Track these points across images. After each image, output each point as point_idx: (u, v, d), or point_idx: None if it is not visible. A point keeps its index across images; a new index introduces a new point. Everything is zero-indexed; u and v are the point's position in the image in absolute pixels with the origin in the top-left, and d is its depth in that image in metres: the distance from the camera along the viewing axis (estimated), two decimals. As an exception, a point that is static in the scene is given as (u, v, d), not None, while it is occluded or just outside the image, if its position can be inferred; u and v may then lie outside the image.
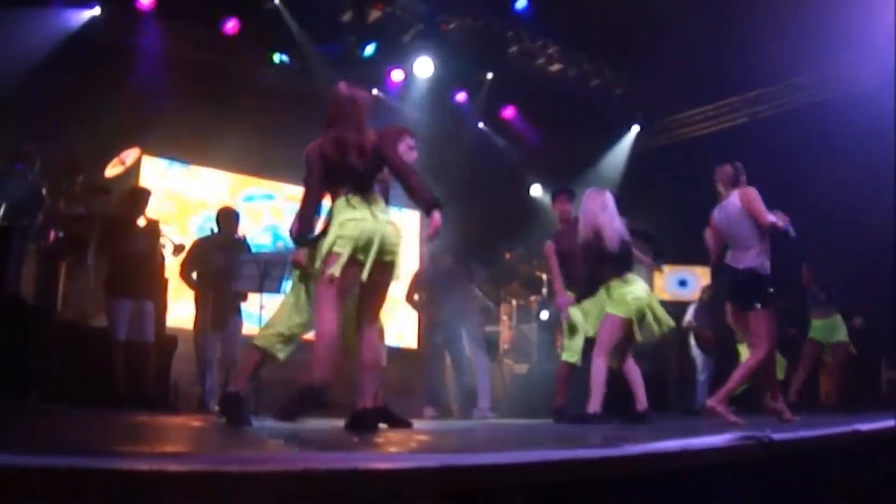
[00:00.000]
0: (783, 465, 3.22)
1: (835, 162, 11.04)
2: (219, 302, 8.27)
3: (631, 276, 7.03)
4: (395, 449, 3.22)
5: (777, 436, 3.21)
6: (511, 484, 2.08)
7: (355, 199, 4.65)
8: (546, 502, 2.20)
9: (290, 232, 5.42)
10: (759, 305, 6.35)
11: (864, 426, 4.06)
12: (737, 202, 6.56)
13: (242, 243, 8.59)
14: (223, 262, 8.20)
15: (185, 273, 8.49)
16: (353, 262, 4.57)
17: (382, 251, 4.60)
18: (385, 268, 4.66)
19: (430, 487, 1.83)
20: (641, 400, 6.90)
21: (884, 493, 3.56)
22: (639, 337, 6.96)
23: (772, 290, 6.45)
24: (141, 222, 8.14)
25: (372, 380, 4.72)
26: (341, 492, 1.67)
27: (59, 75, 9.01)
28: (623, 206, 7.56)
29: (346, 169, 4.68)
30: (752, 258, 6.42)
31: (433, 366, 9.04)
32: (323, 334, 4.59)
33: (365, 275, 4.57)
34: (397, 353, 9.35)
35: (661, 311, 7.03)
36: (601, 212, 7.08)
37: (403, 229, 4.88)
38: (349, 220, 4.58)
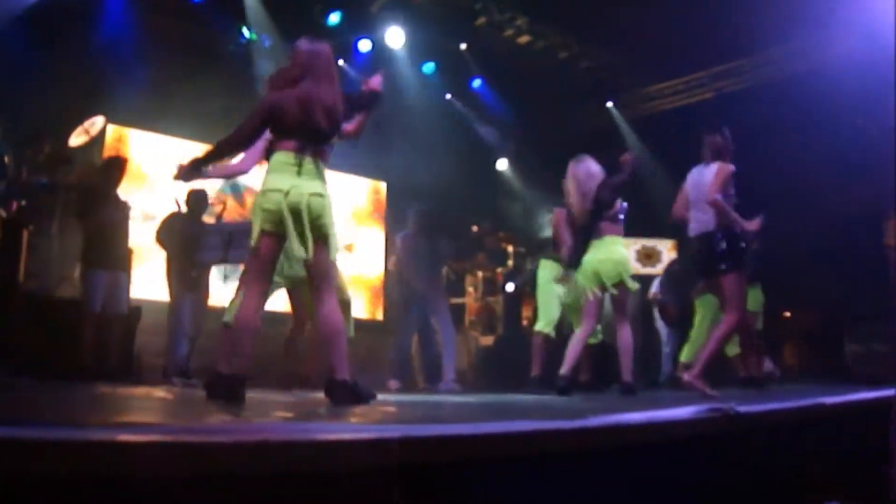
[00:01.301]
0: (748, 438, 3.27)
1: (801, 136, 11.12)
2: (185, 270, 8.26)
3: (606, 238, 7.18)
4: (357, 420, 3.22)
5: (742, 408, 3.25)
6: (475, 455, 2.09)
7: (293, 159, 4.57)
8: (510, 474, 2.22)
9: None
10: (724, 266, 6.36)
11: (830, 399, 4.11)
12: (712, 172, 6.61)
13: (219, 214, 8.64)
14: (193, 233, 8.18)
15: (159, 238, 8.49)
16: (270, 235, 4.54)
17: (306, 225, 4.49)
18: (317, 243, 4.56)
19: (393, 459, 1.84)
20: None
21: (848, 466, 3.61)
22: (614, 291, 7.14)
23: (741, 251, 6.46)
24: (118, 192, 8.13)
25: (336, 351, 4.61)
26: (301, 462, 1.68)
27: (22, 43, 8.87)
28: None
29: (305, 129, 4.59)
30: (712, 223, 6.47)
31: (403, 340, 9.00)
32: (238, 321, 4.59)
33: (296, 248, 4.48)
34: (361, 325, 9.35)
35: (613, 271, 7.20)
36: (588, 180, 7.21)
37: (332, 200, 4.72)
38: (271, 191, 4.51)
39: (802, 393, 5.36)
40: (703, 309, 9.30)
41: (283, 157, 4.59)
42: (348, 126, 5.32)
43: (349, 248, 8.53)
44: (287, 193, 4.48)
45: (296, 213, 4.48)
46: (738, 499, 2.95)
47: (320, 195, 4.57)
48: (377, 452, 1.83)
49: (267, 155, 4.91)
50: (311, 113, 4.58)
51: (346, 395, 4.50)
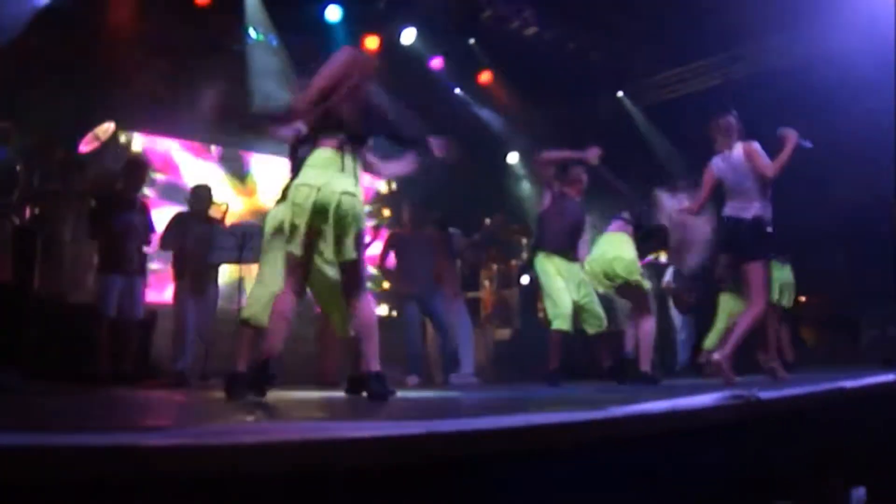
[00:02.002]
0: (771, 425, 3.24)
1: (807, 123, 11.07)
2: (197, 272, 8.24)
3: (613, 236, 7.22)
4: (379, 418, 3.21)
5: (764, 395, 3.22)
6: (498, 449, 2.08)
7: (333, 155, 4.62)
8: (533, 467, 2.20)
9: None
10: (762, 256, 6.40)
11: (849, 383, 4.08)
12: (741, 154, 6.60)
13: (218, 221, 8.55)
14: (201, 233, 8.17)
15: (164, 243, 8.45)
16: (306, 232, 4.59)
17: (335, 223, 4.55)
18: (342, 242, 4.61)
19: (417, 454, 1.82)
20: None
21: (870, 450, 3.59)
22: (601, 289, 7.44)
23: (769, 238, 6.51)
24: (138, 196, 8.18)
25: (371, 345, 4.67)
26: (327, 461, 1.67)
27: (32, 51, 8.90)
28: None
29: (349, 127, 4.67)
30: (758, 209, 6.46)
31: (411, 333, 8.97)
32: (274, 310, 4.65)
33: (328, 247, 4.61)
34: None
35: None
36: None
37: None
38: (303, 185, 4.57)
39: (821, 378, 5.34)
40: (729, 297, 9.33)
41: (324, 153, 4.63)
42: (394, 167, 5.55)
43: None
44: (319, 189, 4.52)
45: (323, 209, 4.52)
46: (760, 485, 2.93)
47: (352, 194, 4.59)
48: (399, 449, 1.81)
49: (292, 151, 4.99)
50: (357, 113, 4.68)
51: (382, 387, 4.58)
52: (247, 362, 5.13)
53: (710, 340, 9.49)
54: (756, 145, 6.63)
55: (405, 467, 1.80)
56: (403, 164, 5.67)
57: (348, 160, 4.62)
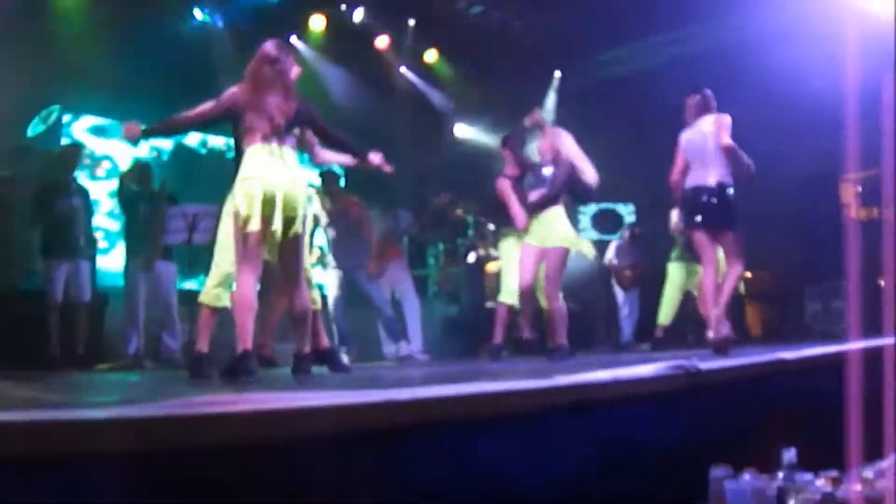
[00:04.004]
0: (710, 394, 3.39)
1: (758, 100, 11.25)
2: (146, 249, 8.29)
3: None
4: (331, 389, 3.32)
5: (704, 366, 3.37)
6: (446, 417, 2.19)
7: (266, 149, 4.81)
8: (476, 435, 2.32)
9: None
10: (730, 223, 6.66)
11: (789, 355, 4.24)
12: (708, 125, 6.82)
13: (163, 192, 8.52)
14: (148, 212, 8.21)
15: (122, 196, 8.59)
16: (259, 220, 4.74)
17: (284, 208, 4.76)
18: (288, 225, 4.84)
19: (361, 423, 1.93)
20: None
21: (806, 420, 3.75)
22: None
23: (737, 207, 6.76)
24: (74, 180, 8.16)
25: (301, 329, 4.97)
26: (288, 429, 1.77)
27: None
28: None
29: (265, 117, 4.84)
30: (722, 174, 6.64)
31: (336, 312, 8.91)
32: (239, 302, 4.83)
33: (276, 230, 4.77)
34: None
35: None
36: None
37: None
38: (250, 178, 4.75)
39: (763, 351, 5.53)
40: (676, 271, 9.51)
41: (259, 148, 4.83)
42: (326, 156, 5.73)
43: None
44: (264, 179, 4.74)
45: (274, 196, 4.72)
46: (700, 451, 3.07)
47: (295, 179, 4.85)
48: (345, 418, 1.92)
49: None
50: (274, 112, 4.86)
51: (309, 366, 4.97)
52: (206, 341, 5.29)
53: (664, 313, 9.68)
54: (726, 118, 6.82)
55: (349, 435, 1.91)
56: (341, 157, 5.92)
57: (282, 151, 4.85)
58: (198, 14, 11.29)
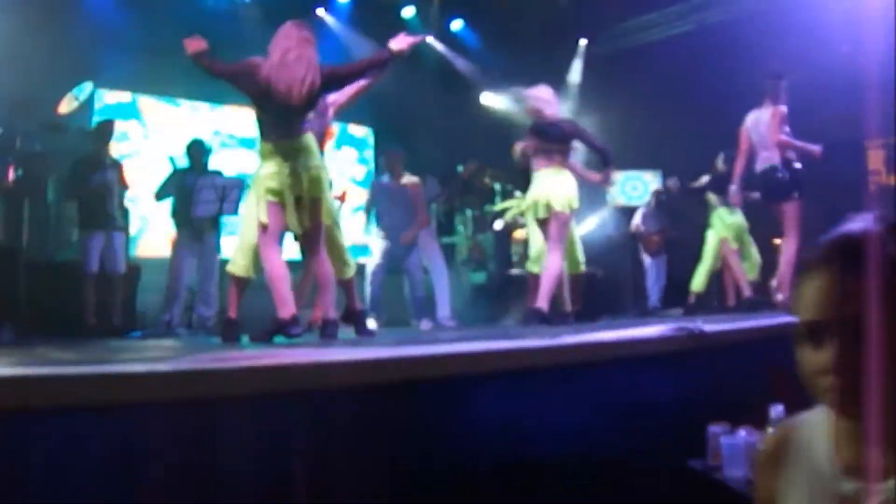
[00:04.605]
0: (714, 355, 3.52)
1: (784, 66, 11.24)
2: (190, 223, 8.53)
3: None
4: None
5: (708, 327, 3.50)
6: (460, 372, 2.34)
7: (278, 146, 5.09)
8: (494, 389, 2.47)
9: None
10: (794, 195, 7.43)
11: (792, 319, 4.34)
12: (767, 115, 7.55)
13: (212, 173, 8.76)
14: (190, 184, 8.43)
15: (159, 197, 8.79)
16: (277, 205, 5.07)
17: (303, 196, 5.10)
18: (312, 210, 5.18)
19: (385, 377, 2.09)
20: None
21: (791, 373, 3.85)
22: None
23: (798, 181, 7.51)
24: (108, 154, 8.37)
25: (326, 294, 5.43)
26: (306, 382, 1.93)
27: (3, 13, 8.97)
28: (579, 114, 7.84)
29: (281, 108, 5.07)
30: (780, 156, 7.45)
31: (374, 278, 9.07)
32: (272, 276, 5.09)
33: (292, 217, 5.09)
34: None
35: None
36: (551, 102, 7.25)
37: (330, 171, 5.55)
38: (265, 176, 5.07)
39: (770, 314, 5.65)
40: (712, 239, 9.58)
41: (268, 144, 5.14)
42: (339, 97, 5.92)
43: (342, 196, 8.76)
44: (280, 174, 5.08)
45: (291, 186, 5.06)
46: (701, 410, 3.20)
47: (311, 171, 5.13)
48: (371, 372, 2.08)
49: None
50: (289, 91, 5.07)
51: (335, 330, 5.33)
52: (235, 308, 5.63)
53: (698, 281, 9.70)
54: (779, 112, 7.53)
55: (374, 387, 2.07)
56: (361, 83, 6.20)
57: (301, 140, 5.14)
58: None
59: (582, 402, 2.74)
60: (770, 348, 3.55)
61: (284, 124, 5.10)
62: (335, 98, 6.35)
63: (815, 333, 1.38)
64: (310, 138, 5.22)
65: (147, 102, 11.09)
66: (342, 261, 5.91)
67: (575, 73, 14.30)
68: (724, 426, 3.09)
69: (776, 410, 3.11)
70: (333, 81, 5.38)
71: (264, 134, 5.16)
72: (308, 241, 5.35)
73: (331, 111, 6.47)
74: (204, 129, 11.10)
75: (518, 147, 7.31)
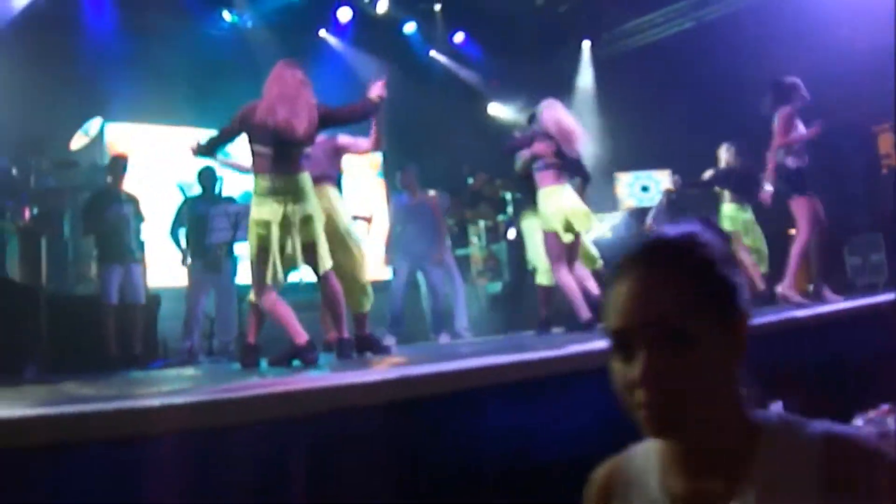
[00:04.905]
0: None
1: (787, 57, 11.25)
2: (205, 252, 8.67)
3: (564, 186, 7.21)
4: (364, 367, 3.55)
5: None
6: (459, 387, 2.41)
7: (275, 181, 5.24)
8: (502, 399, 2.53)
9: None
10: (794, 194, 7.66)
11: (802, 313, 4.38)
12: (776, 119, 7.75)
13: (224, 200, 8.87)
14: (204, 212, 8.54)
15: (173, 233, 8.89)
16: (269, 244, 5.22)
17: (298, 234, 5.28)
18: (305, 252, 5.35)
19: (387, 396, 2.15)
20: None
21: (812, 374, 3.89)
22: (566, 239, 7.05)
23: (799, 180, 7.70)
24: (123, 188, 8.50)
25: (335, 316, 5.54)
26: (318, 406, 2.00)
27: (12, 53, 9.10)
28: (585, 116, 7.90)
29: (279, 145, 5.22)
30: (780, 157, 7.67)
31: (393, 298, 9.16)
32: (275, 316, 5.33)
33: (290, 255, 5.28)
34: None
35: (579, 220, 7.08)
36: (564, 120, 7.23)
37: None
38: (258, 219, 5.24)
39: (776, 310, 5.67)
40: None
41: (262, 178, 5.32)
42: (364, 143, 6.06)
43: (369, 220, 8.85)
44: (272, 217, 5.28)
45: (288, 228, 5.25)
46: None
47: (305, 208, 5.33)
48: (376, 393, 2.15)
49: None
50: (280, 129, 5.25)
51: (350, 350, 5.49)
52: (255, 334, 5.71)
53: None
54: (782, 114, 7.76)
55: (380, 406, 2.14)
56: (371, 139, 6.43)
57: (287, 183, 5.26)
58: (226, 16, 11.52)
59: (585, 409, 2.79)
60: (771, 344, 3.59)
61: (282, 160, 5.23)
62: (346, 144, 6.49)
63: (622, 343, 1.28)
64: (306, 177, 5.37)
65: (155, 131, 11.15)
66: (363, 294, 6.06)
67: (585, 75, 14.29)
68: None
69: (776, 407, 3.15)
70: (329, 121, 5.54)
71: (259, 170, 5.28)
72: (310, 263, 5.46)
73: (342, 156, 6.62)
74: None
75: (526, 154, 7.34)
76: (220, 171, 8.80)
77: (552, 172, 7.13)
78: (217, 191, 8.97)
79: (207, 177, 8.97)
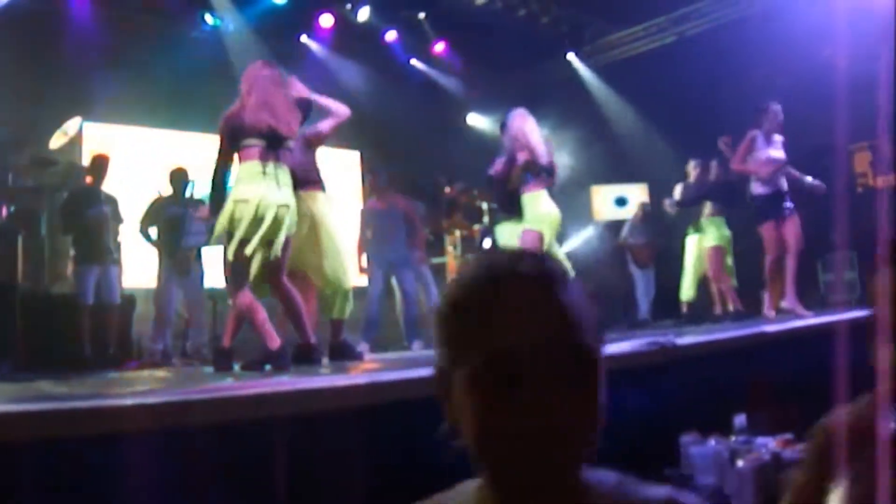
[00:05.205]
0: (688, 367, 3.63)
1: (766, 73, 11.35)
2: (175, 254, 8.64)
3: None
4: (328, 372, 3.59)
5: (680, 341, 3.62)
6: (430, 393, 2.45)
7: (262, 168, 5.21)
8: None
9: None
10: (761, 220, 8.04)
11: (771, 328, 4.46)
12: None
13: (195, 202, 8.87)
14: (173, 217, 8.54)
15: (143, 230, 8.84)
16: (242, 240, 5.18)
17: (268, 231, 5.18)
18: (271, 245, 5.27)
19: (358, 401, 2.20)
20: None
21: (777, 388, 3.97)
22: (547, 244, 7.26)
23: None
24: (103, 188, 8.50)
25: (294, 322, 5.53)
26: (285, 408, 2.04)
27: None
28: (562, 129, 7.99)
29: (261, 134, 5.23)
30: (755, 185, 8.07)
31: (369, 305, 9.16)
32: (245, 310, 5.30)
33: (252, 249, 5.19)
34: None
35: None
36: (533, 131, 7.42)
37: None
38: (241, 202, 5.15)
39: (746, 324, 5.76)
40: (694, 247, 9.70)
41: (251, 166, 5.26)
42: (325, 123, 6.09)
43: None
44: (254, 203, 5.18)
45: (262, 219, 5.16)
46: (673, 419, 3.31)
47: (286, 205, 5.30)
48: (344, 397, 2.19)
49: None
50: (265, 126, 5.28)
51: (319, 355, 5.55)
52: (230, 338, 5.64)
53: (687, 290, 9.89)
54: (748, 135, 8.15)
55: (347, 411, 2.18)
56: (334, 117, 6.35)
57: (275, 169, 5.24)
58: (208, 19, 11.51)
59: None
60: (740, 359, 3.66)
61: (272, 151, 5.25)
62: (311, 134, 6.45)
63: (500, 369, 1.04)
64: (289, 172, 5.40)
65: (134, 132, 11.12)
66: (346, 300, 6.10)
67: (572, 86, 14.32)
68: (695, 436, 3.20)
69: (739, 420, 3.23)
70: (309, 109, 5.62)
71: (248, 157, 5.27)
72: (273, 268, 5.41)
73: (315, 149, 6.60)
74: (196, 158, 11.18)
75: (520, 162, 7.45)
76: (192, 175, 8.81)
77: (535, 182, 7.35)
78: (189, 193, 8.92)
79: (179, 178, 8.96)
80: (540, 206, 7.27)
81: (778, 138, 8.20)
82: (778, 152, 8.06)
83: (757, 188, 8.09)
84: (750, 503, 2.95)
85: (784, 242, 7.95)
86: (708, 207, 9.55)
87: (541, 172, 7.28)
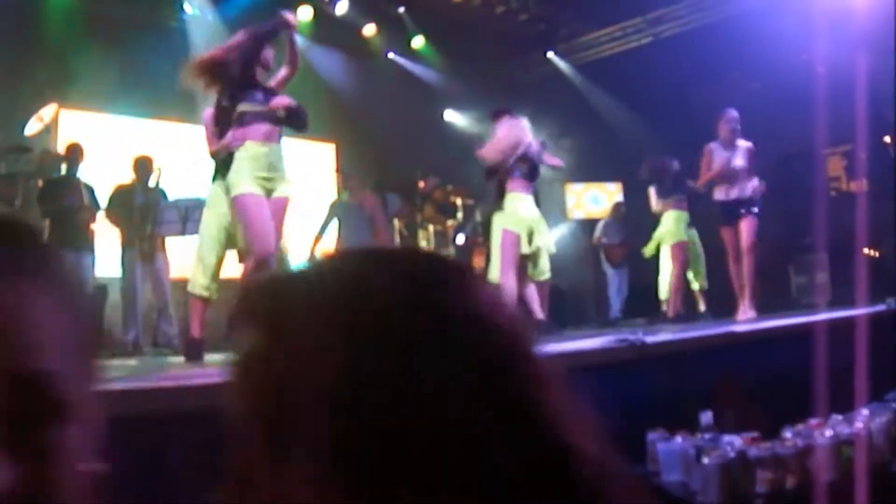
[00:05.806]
0: (656, 365, 3.66)
1: (741, 76, 11.42)
2: (143, 240, 8.60)
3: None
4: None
5: (650, 339, 3.65)
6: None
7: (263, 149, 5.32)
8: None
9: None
10: (722, 224, 8.17)
11: (740, 328, 4.50)
12: None
13: (158, 191, 8.83)
14: (143, 203, 8.51)
15: (109, 215, 8.81)
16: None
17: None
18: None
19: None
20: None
21: (747, 387, 4.00)
22: (526, 249, 7.33)
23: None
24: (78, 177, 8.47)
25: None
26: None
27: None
28: (537, 126, 8.03)
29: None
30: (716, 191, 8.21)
31: None
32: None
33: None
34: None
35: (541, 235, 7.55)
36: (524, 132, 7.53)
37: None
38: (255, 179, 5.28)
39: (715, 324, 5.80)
40: (667, 248, 9.76)
41: (255, 147, 5.39)
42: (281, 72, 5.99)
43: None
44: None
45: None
46: (640, 416, 3.34)
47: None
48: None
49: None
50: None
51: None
52: (199, 328, 5.59)
53: (665, 290, 9.95)
54: (707, 149, 8.29)
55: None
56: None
57: (278, 151, 5.41)
58: (188, 8, 11.45)
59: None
60: (708, 358, 3.70)
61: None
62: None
63: None
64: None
65: (110, 121, 11.05)
66: None
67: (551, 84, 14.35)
68: (661, 433, 3.24)
69: (706, 417, 3.26)
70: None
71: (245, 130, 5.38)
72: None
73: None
74: (172, 147, 11.15)
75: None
76: (157, 163, 8.80)
77: (524, 182, 7.44)
78: (154, 182, 8.87)
79: (142, 166, 8.93)
80: (518, 208, 7.34)
81: (742, 144, 8.19)
82: (738, 159, 8.10)
83: (717, 194, 8.23)
84: (715, 499, 2.98)
85: (737, 247, 8.09)
86: (669, 205, 9.56)
87: (525, 175, 7.36)
